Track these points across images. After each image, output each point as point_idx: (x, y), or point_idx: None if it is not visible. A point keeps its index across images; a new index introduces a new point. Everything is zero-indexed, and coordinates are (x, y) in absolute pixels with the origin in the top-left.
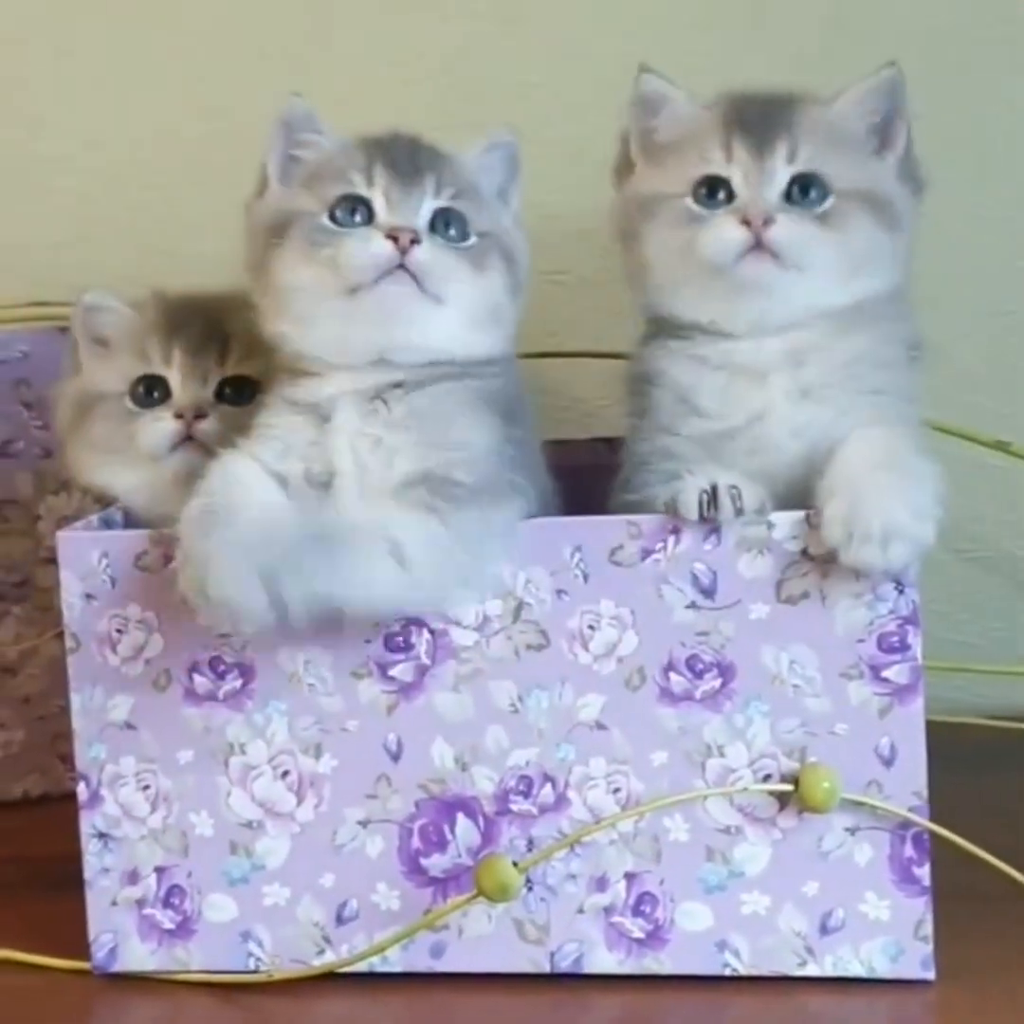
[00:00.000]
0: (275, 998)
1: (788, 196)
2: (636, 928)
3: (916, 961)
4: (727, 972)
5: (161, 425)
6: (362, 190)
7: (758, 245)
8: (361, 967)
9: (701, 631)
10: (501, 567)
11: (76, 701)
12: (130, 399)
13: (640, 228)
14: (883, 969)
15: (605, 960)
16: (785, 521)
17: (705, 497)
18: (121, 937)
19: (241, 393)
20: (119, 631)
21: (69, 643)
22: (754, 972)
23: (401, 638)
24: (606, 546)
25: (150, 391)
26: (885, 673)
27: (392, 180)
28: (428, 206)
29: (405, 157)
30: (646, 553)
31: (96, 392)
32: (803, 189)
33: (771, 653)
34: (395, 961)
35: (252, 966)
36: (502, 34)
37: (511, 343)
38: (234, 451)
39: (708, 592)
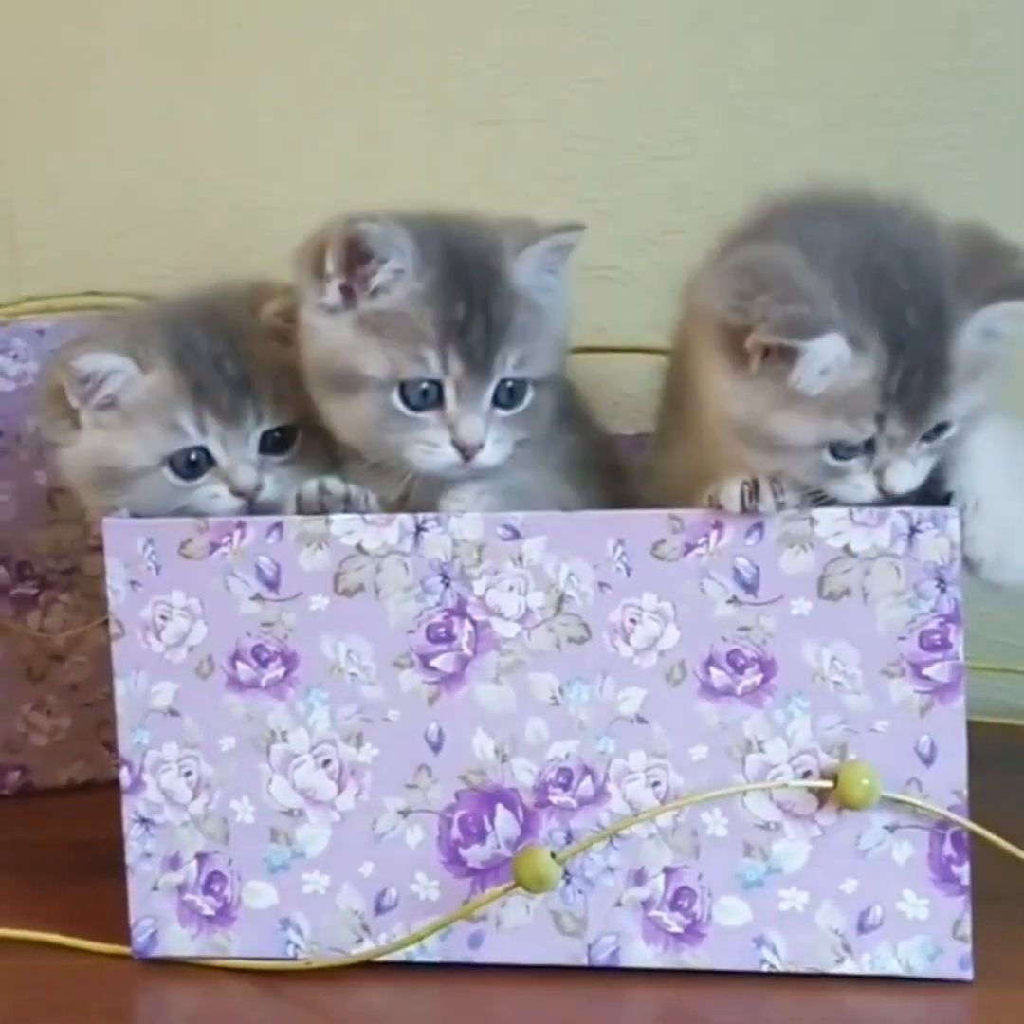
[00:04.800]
0: (313, 986)
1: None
2: (674, 922)
3: (954, 960)
4: (764, 968)
5: (221, 502)
6: (436, 374)
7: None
8: (399, 956)
9: (743, 626)
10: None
11: (120, 687)
12: (169, 470)
13: None
14: (921, 968)
15: (642, 954)
16: (828, 517)
17: (747, 488)
18: (161, 922)
19: (279, 436)
20: (163, 618)
21: (114, 629)
22: (791, 969)
23: (443, 629)
24: (648, 540)
25: (190, 461)
26: (926, 671)
27: (465, 370)
28: (494, 383)
29: (480, 339)
30: (689, 547)
31: (127, 466)
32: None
33: (812, 649)
34: (433, 951)
35: (291, 953)
36: (557, 30)
37: None
38: None
39: (750, 587)
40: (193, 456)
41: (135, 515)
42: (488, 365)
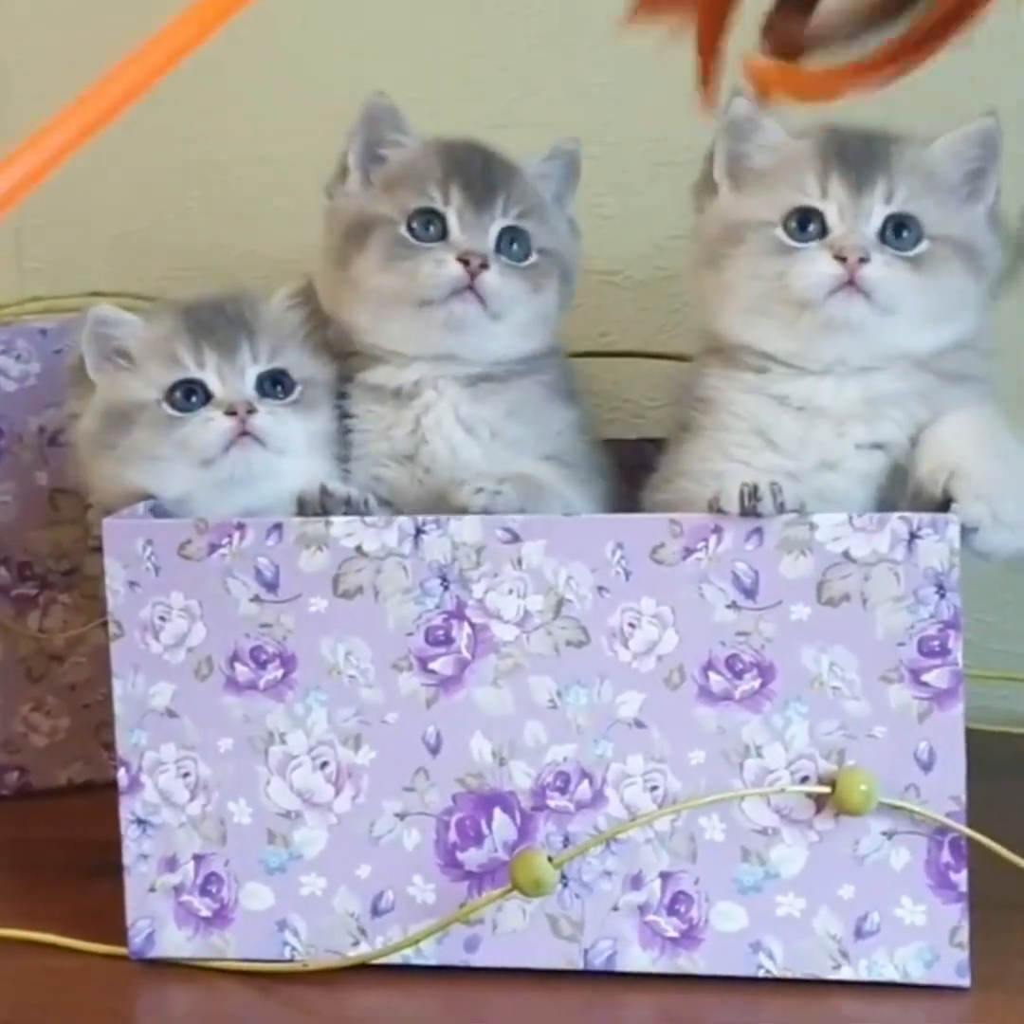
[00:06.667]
0: (309, 988)
1: (882, 236)
2: (670, 927)
3: (951, 967)
4: (761, 973)
5: (214, 426)
6: (438, 205)
7: (850, 282)
8: (395, 959)
9: (741, 631)
10: None
11: (118, 687)
12: (168, 405)
13: (724, 254)
14: (918, 975)
15: (639, 958)
16: (827, 522)
17: (746, 489)
18: (158, 923)
19: (277, 384)
20: (162, 619)
21: (112, 630)
22: (788, 974)
23: (442, 631)
24: (648, 544)
25: (188, 394)
26: (925, 677)
27: (466, 201)
28: (497, 226)
29: (479, 175)
30: (688, 552)
31: (130, 403)
32: (896, 230)
33: (811, 655)
34: (429, 954)
35: (287, 955)
36: (566, 34)
37: (554, 337)
38: None
39: (749, 592)
40: (190, 389)
41: (145, 499)
42: (489, 198)
